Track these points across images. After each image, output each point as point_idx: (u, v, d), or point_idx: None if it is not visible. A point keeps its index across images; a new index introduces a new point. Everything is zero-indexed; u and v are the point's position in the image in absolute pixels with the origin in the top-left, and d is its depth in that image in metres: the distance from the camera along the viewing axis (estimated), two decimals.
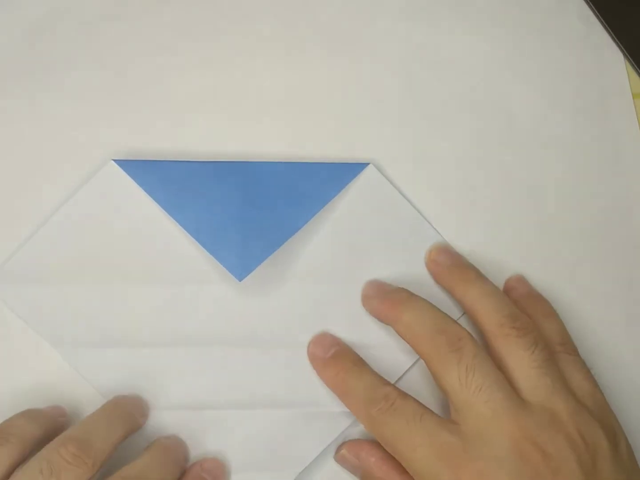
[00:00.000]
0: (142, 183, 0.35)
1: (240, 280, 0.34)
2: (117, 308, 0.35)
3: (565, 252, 0.38)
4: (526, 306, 0.35)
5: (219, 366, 0.35)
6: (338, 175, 0.37)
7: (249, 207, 0.35)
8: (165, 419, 0.34)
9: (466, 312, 0.35)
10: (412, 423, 0.30)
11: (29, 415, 0.31)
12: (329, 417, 0.35)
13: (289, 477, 0.34)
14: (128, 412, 0.33)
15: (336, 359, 0.34)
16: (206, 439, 0.34)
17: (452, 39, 0.41)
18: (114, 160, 0.36)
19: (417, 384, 0.35)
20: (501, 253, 0.37)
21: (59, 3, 0.40)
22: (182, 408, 0.34)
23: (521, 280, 0.37)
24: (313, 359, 0.35)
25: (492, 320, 0.32)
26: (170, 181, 0.35)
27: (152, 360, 0.35)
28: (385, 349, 0.36)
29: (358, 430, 0.35)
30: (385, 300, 0.34)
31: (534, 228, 0.38)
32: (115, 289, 0.35)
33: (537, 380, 0.31)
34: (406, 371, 0.36)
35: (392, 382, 0.33)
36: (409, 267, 0.37)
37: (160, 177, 0.35)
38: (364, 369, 0.34)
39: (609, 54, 0.41)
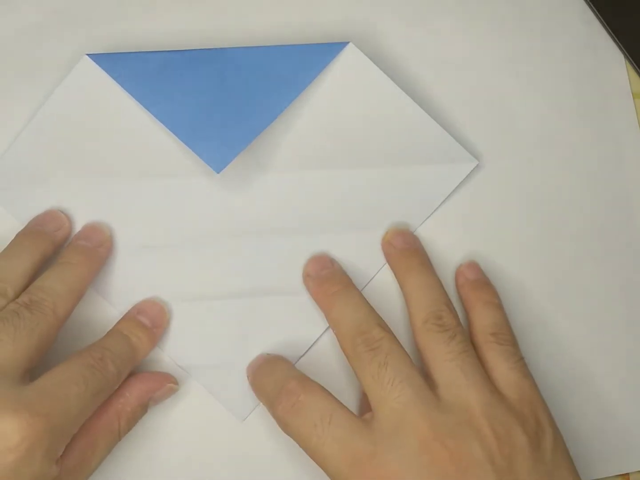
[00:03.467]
0: (116, 77, 0.35)
1: (218, 172, 0.34)
2: (102, 204, 0.36)
3: (564, 252, 0.38)
4: (470, 292, 0.35)
5: (209, 259, 0.36)
6: (317, 56, 0.35)
7: (225, 95, 0.34)
8: None
9: (405, 300, 0.34)
10: (319, 427, 0.29)
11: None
12: None
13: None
14: (34, 237, 0.34)
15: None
16: (200, 329, 0.35)
17: (453, 40, 0.39)
18: (88, 55, 0.35)
19: None
20: (500, 255, 0.36)
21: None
22: (177, 301, 0.35)
23: (472, 266, 0.37)
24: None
25: (419, 315, 0.32)
26: (145, 73, 0.35)
27: (140, 257, 0.35)
28: (370, 233, 0.36)
29: None
30: (321, 286, 0.35)
31: (533, 228, 0.38)
32: (100, 184, 0.36)
33: (450, 373, 0.30)
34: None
35: None
36: (394, 147, 0.36)
37: (135, 69, 0.35)
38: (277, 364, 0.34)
39: (609, 54, 0.40)
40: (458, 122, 0.38)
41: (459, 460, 0.28)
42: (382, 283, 0.36)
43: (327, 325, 0.35)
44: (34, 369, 0.30)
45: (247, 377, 0.35)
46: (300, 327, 0.35)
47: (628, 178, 0.39)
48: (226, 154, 0.34)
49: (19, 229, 0.35)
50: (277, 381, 0.32)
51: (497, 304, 0.35)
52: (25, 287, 0.32)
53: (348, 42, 0.36)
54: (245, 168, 0.36)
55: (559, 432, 0.31)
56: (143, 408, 0.33)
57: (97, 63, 0.35)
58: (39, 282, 0.32)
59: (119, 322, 0.34)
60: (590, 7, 0.40)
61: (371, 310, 0.33)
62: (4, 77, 0.37)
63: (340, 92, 0.36)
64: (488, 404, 0.29)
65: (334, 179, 0.36)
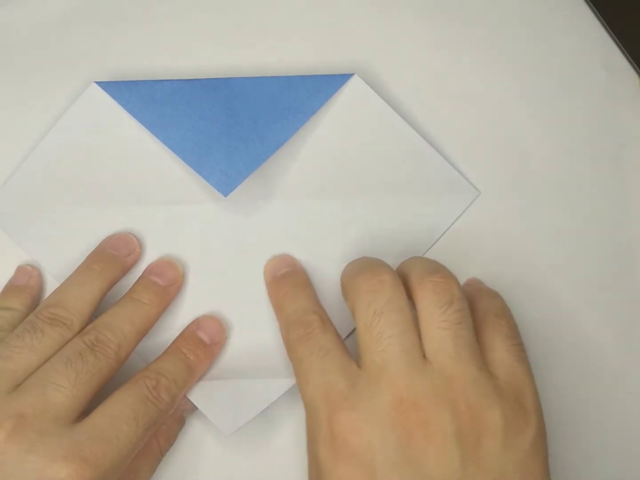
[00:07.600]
0: (124, 104, 0.35)
1: (225, 195, 0.34)
2: (109, 231, 0.36)
3: (563, 297, 0.38)
4: (477, 298, 0.33)
5: (215, 284, 0.36)
6: (322, 87, 0.36)
7: (232, 123, 0.35)
8: (166, 342, 0.34)
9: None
10: (314, 357, 0.30)
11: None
12: None
13: (285, 385, 0.34)
14: (106, 262, 0.33)
15: (284, 278, 0.34)
16: None
17: (473, 74, 0.39)
18: (96, 83, 0.35)
19: None
20: (501, 289, 0.35)
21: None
22: (175, 328, 0.35)
23: (476, 279, 0.37)
24: (265, 275, 0.35)
25: (414, 274, 0.31)
26: (153, 101, 0.35)
27: None
28: None
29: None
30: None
31: (534, 266, 0.38)
32: (107, 211, 0.36)
33: (441, 342, 0.29)
34: None
35: None
36: (397, 177, 0.37)
37: (143, 97, 0.35)
38: (303, 292, 0.33)
39: (633, 104, 0.39)
40: (461, 154, 0.38)
41: (426, 425, 0.27)
42: None
43: None
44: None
45: (265, 278, 0.35)
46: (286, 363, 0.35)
47: (635, 224, 0.38)
48: (233, 179, 0.34)
49: (18, 254, 0.35)
50: (299, 309, 0.32)
51: (503, 301, 0.33)
52: (91, 315, 0.32)
53: (353, 74, 0.36)
54: (252, 195, 0.36)
55: (544, 425, 0.29)
56: (179, 422, 0.33)
57: (106, 90, 0.35)
58: (107, 319, 0.31)
59: (178, 339, 0.34)
60: (622, 51, 0.39)
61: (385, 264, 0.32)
62: (9, 107, 0.38)
63: (345, 122, 0.37)
64: (473, 381, 0.28)
65: (337, 207, 0.37)
